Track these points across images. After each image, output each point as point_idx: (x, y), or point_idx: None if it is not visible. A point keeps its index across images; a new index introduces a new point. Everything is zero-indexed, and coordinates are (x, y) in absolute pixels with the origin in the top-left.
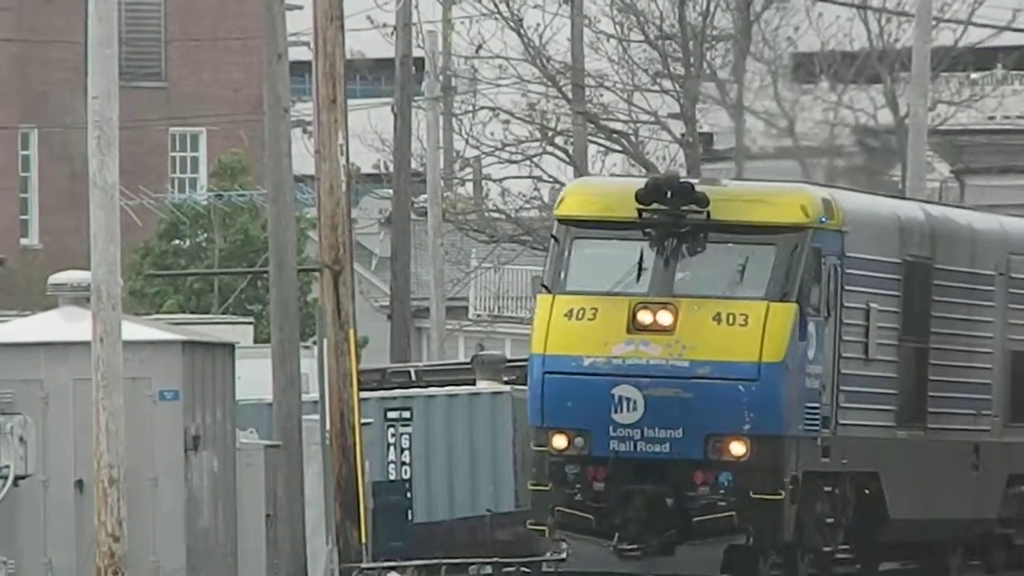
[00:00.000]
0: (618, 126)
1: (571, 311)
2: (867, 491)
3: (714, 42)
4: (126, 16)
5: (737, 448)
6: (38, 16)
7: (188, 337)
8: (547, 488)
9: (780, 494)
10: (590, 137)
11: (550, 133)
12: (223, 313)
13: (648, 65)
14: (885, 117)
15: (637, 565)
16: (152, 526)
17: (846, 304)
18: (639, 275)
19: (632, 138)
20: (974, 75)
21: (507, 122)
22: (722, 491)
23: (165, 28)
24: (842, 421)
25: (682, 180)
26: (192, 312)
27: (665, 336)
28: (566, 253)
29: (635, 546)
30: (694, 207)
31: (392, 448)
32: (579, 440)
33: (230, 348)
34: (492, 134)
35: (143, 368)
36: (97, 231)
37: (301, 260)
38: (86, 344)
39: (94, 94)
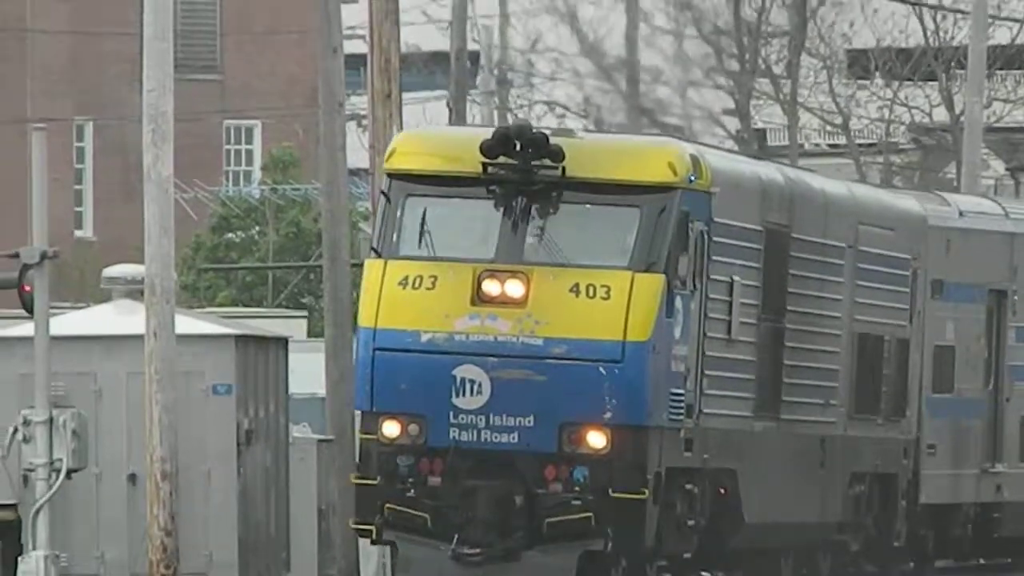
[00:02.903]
0: (672, 121)
1: (406, 279)
2: (722, 490)
3: (769, 38)
4: (181, 9)
5: (596, 439)
6: (93, 9)
7: (241, 331)
8: (375, 482)
9: (643, 493)
10: (644, 132)
11: (604, 128)
12: (276, 307)
13: (703, 61)
14: (940, 115)
15: (479, 572)
16: (204, 520)
17: (712, 276)
18: (484, 239)
19: (686, 133)
20: None
21: (562, 116)
22: (577, 488)
23: (220, 21)
24: (705, 410)
25: (534, 131)
26: (245, 305)
27: (515, 309)
28: (398, 212)
29: (477, 551)
30: (547, 162)
31: None
32: (413, 428)
33: (283, 342)
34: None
35: (196, 362)
36: (151, 225)
37: (354, 254)
38: (139, 338)
39: (149, 87)
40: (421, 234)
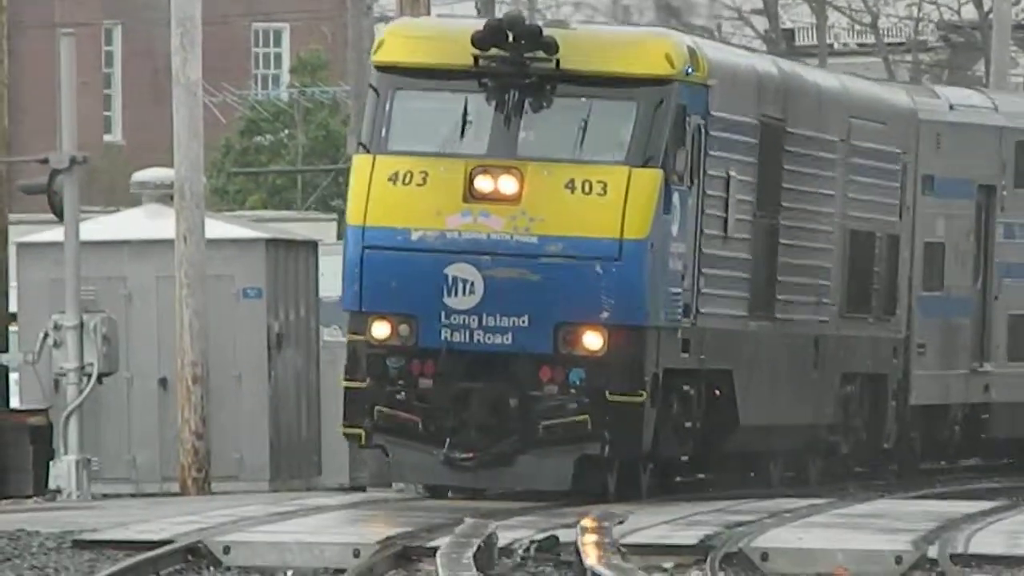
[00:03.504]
0: (700, 22)
1: (396, 175)
2: (718, 392)
3: None
4: None
5: (592, 340)
6: None
7: (271, 235)
8: (364, 385)
9: (640, 395)
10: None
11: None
12: (306, 209)
13: None
14: (969, 12)
15: (472, 477)
16: (235, 423)
17: (708, 172)
18: (476, 133)
19: (715, 34)
20: None
21: (590, 19)
22: (573, 391)
23: None
24: (702, 309)
25: (527, 22)
26: (275, 209)
27: (509, 206)
28: (387, 106)
29: (469, 455)
30: (540, 54)
31: None
32: (404, 328)
33: (313, 245)
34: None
35: (226, 266)
36: (180, 129)
37: None
38: (169, 242)
39: None
40: (411, 128)
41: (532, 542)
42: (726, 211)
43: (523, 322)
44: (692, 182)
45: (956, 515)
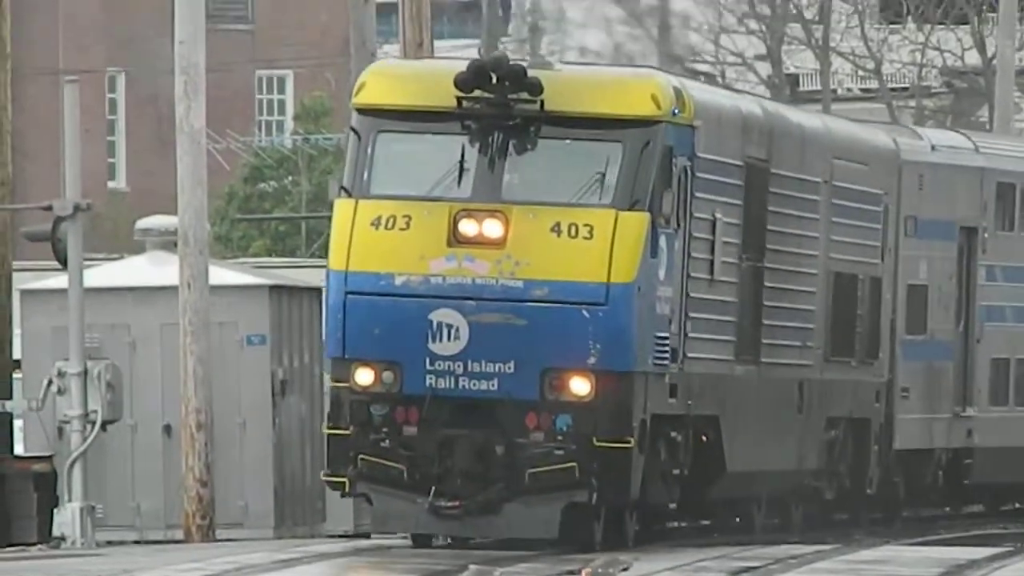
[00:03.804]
0: (704, 67)
1: (379, 219)
2: (704, 438)
3: None
4: None
5: (579, 386)
6: None
7: (275, 281)
8: (347, 433)
9: (628, 442)
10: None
11: None
12: (309, 256)
13: (735, 6)
14: (972, 58)
15: (458, 526)
16: (240, 470)
17: (695, 214)
18: (460, 177)
19: (719, 79)
20: None
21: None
22: (560, 438)
23: None
24: (689, 354)
25: (511, 62)
26: (278, 255)
27: (494, 250)
28: (369, 149)
29: (455, 503)
30: (525, 95)
31: None
32: (388, 375)
33: (316, 292)
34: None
35: (230, 313)
36: (184, 176)
37: None
38: (173, 289)
39: (180, 39)
40: (393, 172)
41: None
42: (712, 254)
43: (509, 368)
44: (679, 225)
45: (961, 561)
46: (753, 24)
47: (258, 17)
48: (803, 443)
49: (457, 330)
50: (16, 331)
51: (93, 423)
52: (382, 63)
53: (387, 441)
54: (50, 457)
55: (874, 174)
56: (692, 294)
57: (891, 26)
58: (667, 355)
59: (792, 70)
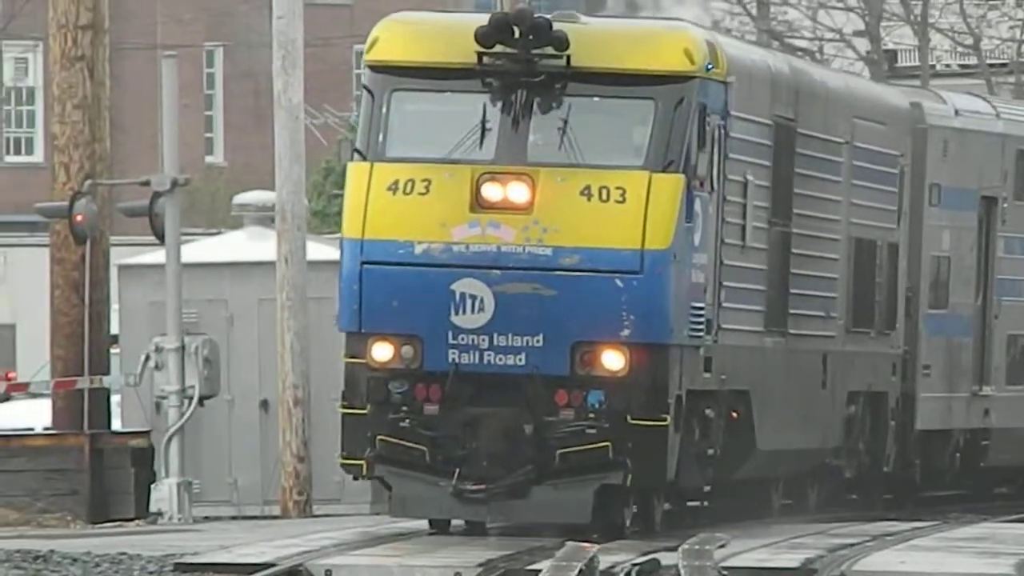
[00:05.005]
0: (803, 43)
1: (396, 183)
2: (735, 414)
3: None
4: None
5: (613, 360)
6: None
7: None
8: (364, 412)
9: (664, 420)
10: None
11: None
12: None
13: None
14: None
15: (484, 510)
16: (336, 446)
17: (728, 176)
18: (482, 138)
19: (817, 55)
20: None
21: None
22: (592, 415)
23: None
24: (723, 325)
25: (536, 15)
26: None
27: (520, 216)
28: (384, 109)
29: (481, 487)
30: (550, 50)
31: None
32: (407, 349)
33: None
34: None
35: (327, 288)
36: (281, 151)
37: None
38: (270, 264)
39: (279, 14)
40: (410, 133)
41: (634, 565)
42: (744, 218)
43: (537, 341)
44: (713, 187)
45: None
46: (852, 0)
47: None
48: (827, 419)
49: (481, 301)
50: (113, 306)
51: (190, 398)
52: (397, 16)
53: (407, 421)
54: (147, 433)
55: (892, 135)
56: (726, 261)
57: (990, 2)
58: (702, 326)
59: (890, 46)
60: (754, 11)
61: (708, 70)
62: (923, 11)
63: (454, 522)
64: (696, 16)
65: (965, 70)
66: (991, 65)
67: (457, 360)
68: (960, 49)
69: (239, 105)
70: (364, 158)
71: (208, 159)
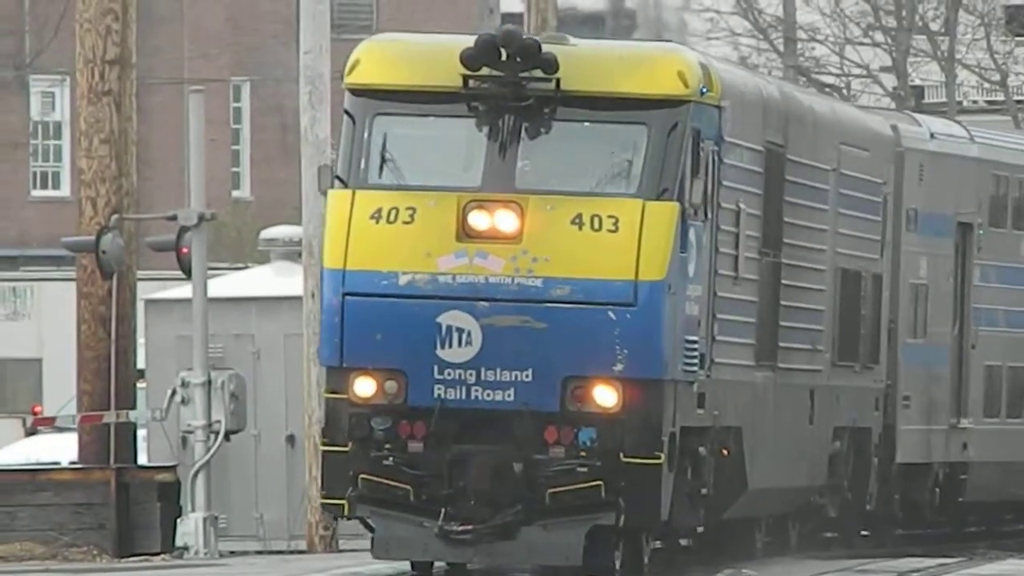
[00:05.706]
0: (830, 80)
1: (379, 211)
2: (725, 451)
3: None
4: None
5: (605, 396)
6: None
7: None
8: (345, 450)
9: (658, 457)
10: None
11: None
12: None
13: (860, 18)
14: None
15: (471, 552)
16: None
17: (722, 204)
18: (468, 164)
19: (844, 92)
20: None
21: None
22: (583, 453)
23: None
24: (716, 359)
25: (524, 37)
26: None
27: (508, 245)
28: (366, 134)
29: (468, 527)
30: (539, 73)
31: None
32: (391, 384)
33: None
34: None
35: None
36: (308, 187)
37: None
38: (297, 299)
39: (305, 49)
40: (393, 159)
41: None
42: (737, 248)
43: (526, 376)
44: (707, 216)
45: None
46: (879, 36)
47: (383, 26)
48: (814, 456)
49: (468, 334)
50: (140, 341)
51: (216, 433)
52: (378, 37)
53: (390, 459)
54: (174, 467)
55: (875, 161)
56: (719, 293)
57: (1017, 39)
58: (696, 361)
59: (917, 82)
60: (781, 47)
61: (702, 94)
62: (950, 47)
63: (437, 564)
64: (725, 54)
65: (992, 106)
66: (1018, 101)
67: (443, 396)
68: (987, 85)
69: (266, 140)
70: (345, 185)
71: (235, 194)
